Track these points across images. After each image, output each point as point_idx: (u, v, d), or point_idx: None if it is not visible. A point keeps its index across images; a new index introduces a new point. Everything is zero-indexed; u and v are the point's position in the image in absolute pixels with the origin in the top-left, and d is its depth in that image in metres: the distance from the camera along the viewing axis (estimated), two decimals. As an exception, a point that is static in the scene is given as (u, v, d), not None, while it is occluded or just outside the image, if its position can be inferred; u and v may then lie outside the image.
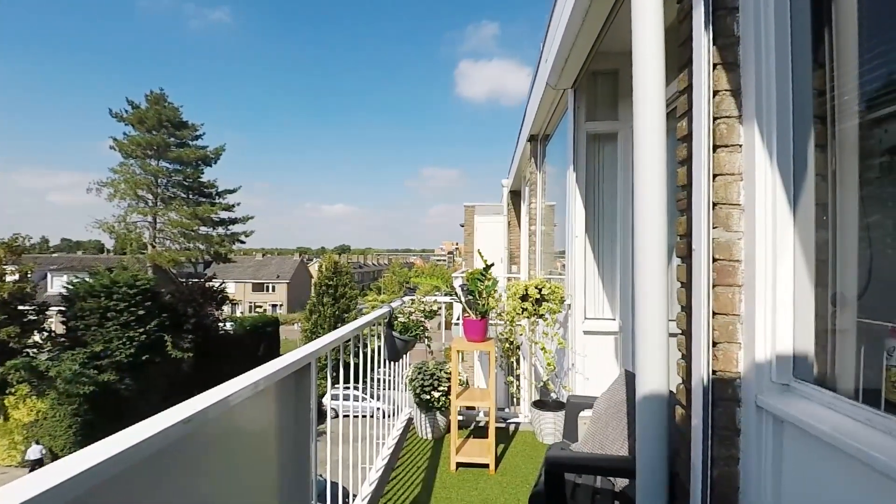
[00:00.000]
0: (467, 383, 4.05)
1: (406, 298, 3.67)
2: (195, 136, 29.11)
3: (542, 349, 4.03)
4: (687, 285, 1.78)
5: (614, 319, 4.49)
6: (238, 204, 29.92)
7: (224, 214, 29.34)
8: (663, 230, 1.84)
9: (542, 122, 6.52)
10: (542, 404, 4.09)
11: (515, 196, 13.11)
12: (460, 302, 3.53)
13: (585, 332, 4.37)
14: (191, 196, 28.59)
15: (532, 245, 7.39)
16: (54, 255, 48.02)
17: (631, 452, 2.41)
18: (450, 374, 3.93)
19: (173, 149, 27.91)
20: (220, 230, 29.15)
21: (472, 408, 4.40)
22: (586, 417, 2.92)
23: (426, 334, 3.54)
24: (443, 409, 3.86)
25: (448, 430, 4.07)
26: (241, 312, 42.99)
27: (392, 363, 3.83)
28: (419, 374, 3.86)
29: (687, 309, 1.77)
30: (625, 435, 2.48)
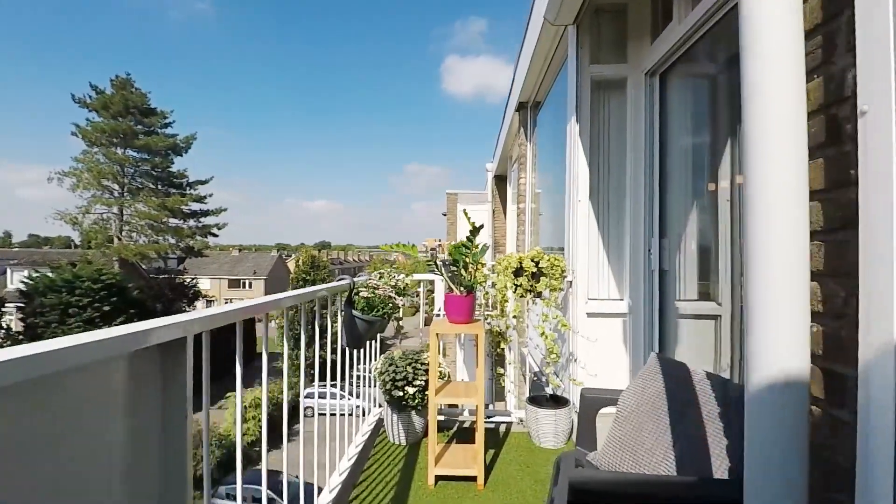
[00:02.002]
0: (448, 377, 3.32)
1: (374, 273, 2.94)
2: (164, 124, 27.77)
3: (541, 334, 3.33)
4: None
5: (622, 300, 3.82)
6: (210, 195, 28.71)
7: (195, 206, 28.09)
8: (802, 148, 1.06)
9: (533, 83, 5.81)
10: (538, 400, 3.39)
11: (501, 182, 12.43)
12: (441, 275, 2.81)
13: (589, 315, 3.69)
14: (160, 186, 27.27)
15: (521, 225, 6.70)
16: (14, 249, 45.85)
17: (682, 464, 1.72)
18: (427, 364, 3.20)
19: (141, 137, 26.55)
20: (192, 222, 27.89)
21: (456, 406, 3.68)
22: (607, 416, 2.24)
23: (396, 314, 2.80)
24: (419, 407, 3.13)
25: (425, 433, 3.34)
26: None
27: (358, 352, 3.09)
28: (390, 365, 3.12)
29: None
30: (668, 441, 1.79)
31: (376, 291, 2.44)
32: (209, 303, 41.07)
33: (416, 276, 3.79)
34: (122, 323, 20.83)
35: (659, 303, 3.58)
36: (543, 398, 3.42)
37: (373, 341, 3.41)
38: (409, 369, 3.04)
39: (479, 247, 2.78)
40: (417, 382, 3.05)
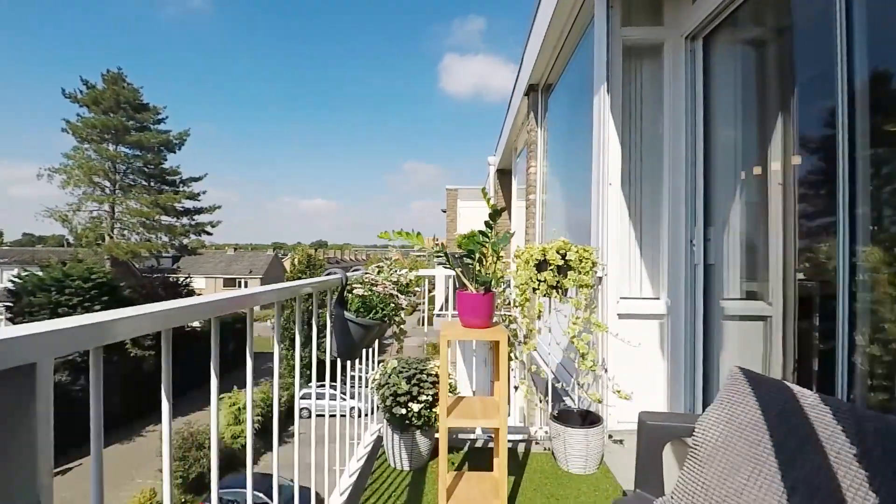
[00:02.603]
0: (455, 390, 2.82)
1: (372, 267, 2.43)
2: (157, 120, 27.13)
3: (571, 338, 2.82)
4: None
5: (658, 299, 3.33)
6: (204, 192, 28.07)
7: (189, 203, 27.46)
8: None
9: (546, 62, 5.30)
10: (566, 417, 2.88)
11: (504, 176, 11.91)
12: (451, 268, 2.30)
13: (621, 316, 3.19)
14: (152, 183, 26.62)
15: (530, 219, 6.19)
16: (4, 247, 45.14)
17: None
18: (434, 376, 2.69)
19: (133, 133, 25.91)
20: (185, 220, 27.25)
21: (472, 429, 3.17)
22: (676, 447, 1.73)
23: (398, 316, 2.27)
24: (425, 426, 2.62)
25: (432, 455, 2.84)
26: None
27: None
28: (391, 376, 2.61)
29: None
30: (779, 491, 1.29)
31: (374, 289, 1.93)
32: (204, 302, 40.26)
33: (422, 272, 3.28)
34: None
35: (703, 302, 3.08)
36: (571, 414, 2.92)
37: (368, 352, 2.90)
38: (412, 386, 2.53)
39: (501, 234, 2.27)
40: (423, 398, 2.54)
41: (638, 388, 3.19)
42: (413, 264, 3.07)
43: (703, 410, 3.14)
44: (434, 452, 2.83)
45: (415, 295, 2.53)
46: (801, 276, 2.63)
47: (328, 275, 2.01)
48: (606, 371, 3.10)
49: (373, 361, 3.12)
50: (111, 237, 25.17)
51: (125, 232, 25.80)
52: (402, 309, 2.07)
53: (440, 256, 2.24)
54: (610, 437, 3.09)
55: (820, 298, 2.54)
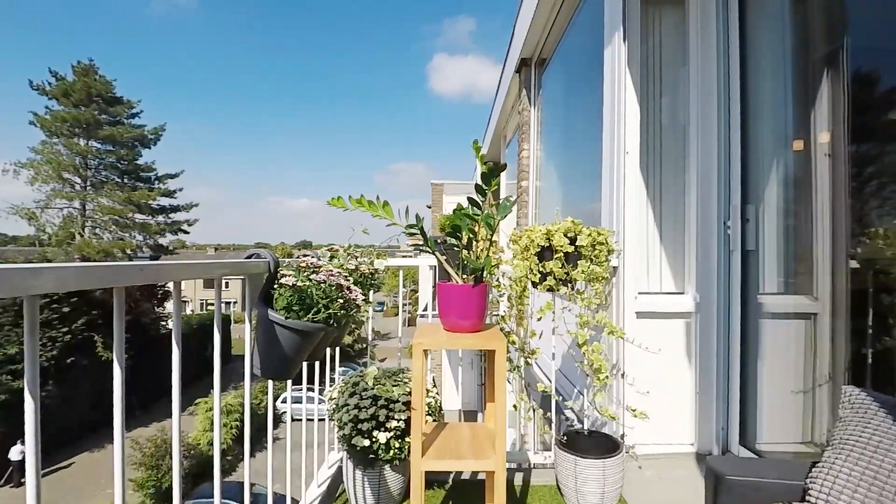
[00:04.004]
0: (439, 411, 2.20)
1: (323, 250, 1.82)
2: (131, 114, 26.03)
3: (580, 344, 2.23)
4: None
5: (685, 293, 2.76)
6: (180, 189, 27.01)
7: (165, 201, 26.40)
8: None
9: (540, 32, 4.72)
10: (576, 442, 2.29)
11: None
12: (430, 251, 1.70)
13: (639, 315, 2.62)
14: (125, 180, 25.52)
15: (522, 208, 5.61)
16: (-30, 247, 43.49)
17: None
18: (408, 395, 2.07)
19: (105, 127, 24.78)
20: (161, 218, 26.18)
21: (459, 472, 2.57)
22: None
23: (361, 315, 1.66)
24: (395, 460, 2.01)
25: (406, 495, 2.22)
26: (192, 310, 39.67)
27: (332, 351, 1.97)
28: (351, 395, 2.00)
29: None
30: None
31: (313, 278, 1.31)
32: (183, 303, 39.15)
33: (398, 262, 2.66)
34: (83, 325, 19.30)
35: (741, 297, 2.52)
36: (581, 438, 2.33)
37: (319, 366, 2.28)
38: (379, 408, 1.91)
39: (499, 204, 1.67)
40: (393, 424, 1.93)
41: (659, 401, 2.62)
42: (383, 256, 2.47)
43: (742, 428, 2.63)
44: (409, 493, 2.22)
45: (379, 289, 1.91)
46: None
47: (250, 258, 1.39)
48: (625, 376, 2.52)
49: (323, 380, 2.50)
50: (82, 236, 24.06)
51: (97, 230, 24.69)
52: (359, 306, 1.45)
53: (414, 233, 1.63)
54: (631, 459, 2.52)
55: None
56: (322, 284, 1.32)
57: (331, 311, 1.34)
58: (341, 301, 1.36)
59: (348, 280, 1.58)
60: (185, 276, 1.08)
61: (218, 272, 1.23)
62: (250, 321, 1.38)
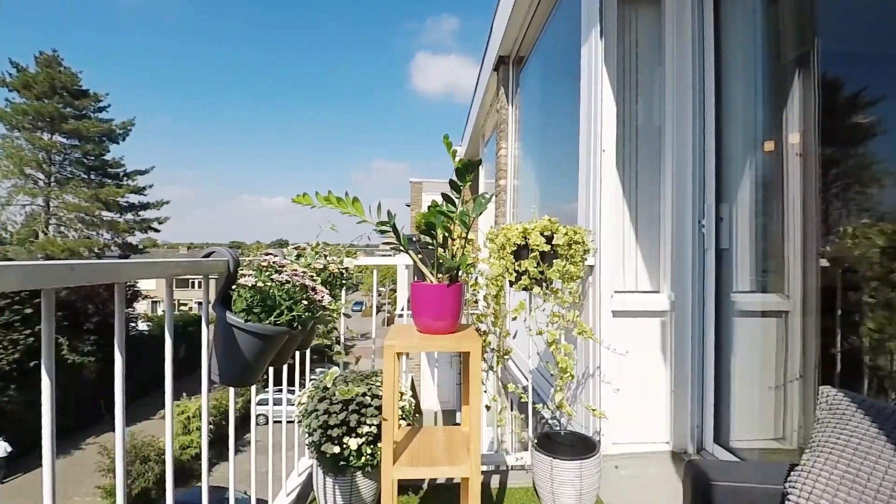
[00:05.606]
0: (415, 413, 2.14)
1: (289, 248, 1.74)
2: (98, 108, 25.16)
3: (550, 343, 2.20)
4: None
5: (660, 292, 2.76)
6: (150, 186, 26.25)
7: (134, 198, 25.61)
8: None
9: (517, 30, 4.70)
10: (552, 443, 2.25)
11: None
12: (403, 249, 1.64)
13: (615, 314, 2.61)
14: (92, 176, 24.68)
15: (500, 207, 5.59)
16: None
17: None
18: (379, 398, 2.01)
19: (70, 121, 23.91)
20: (129, 216, 25.38)
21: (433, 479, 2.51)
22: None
23: (327, 317, 1.58)
24: (368, 467, 1.94)
25: (379, 501, 2.15)
26: (163, 311, 38.57)
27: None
28: (321, 400, 1.92)
29: None
30: None
31: (275, 278, 1.23)
32: (153, 304, 38.11)
33: (370, 260, 2.58)
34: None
35: (715, 296, 2.53)
36: (557, 439, 2.29)
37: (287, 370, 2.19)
38: (350, 413, 1.84)
39: (474, 200, 1.62)
40: (364, 430, 1.86)
41: (634, 400, 2.62)
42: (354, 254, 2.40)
43: (717, 426, 2.63)
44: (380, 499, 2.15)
45: (354, 289, 1.84)
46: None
47: (208, 257, 1.30)
48: (600, 375, 2.50)
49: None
50: (45, 234, 23.16)
51: (62, 228, 23.81)
52: (326, 309, 1.38)
53: (386, 231, 1.57)
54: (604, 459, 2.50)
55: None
56: (285, 285, 1.25)
57: (295, 312, 1.27)
58: (306, 302, 1.28)
59: (315, 280, 1.51)
60: (129, 276, 0.99)
61: (169, 272, 1.15)
62: (207, 325, 1.29)
